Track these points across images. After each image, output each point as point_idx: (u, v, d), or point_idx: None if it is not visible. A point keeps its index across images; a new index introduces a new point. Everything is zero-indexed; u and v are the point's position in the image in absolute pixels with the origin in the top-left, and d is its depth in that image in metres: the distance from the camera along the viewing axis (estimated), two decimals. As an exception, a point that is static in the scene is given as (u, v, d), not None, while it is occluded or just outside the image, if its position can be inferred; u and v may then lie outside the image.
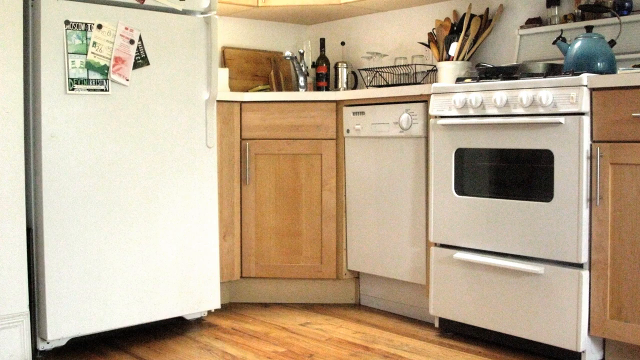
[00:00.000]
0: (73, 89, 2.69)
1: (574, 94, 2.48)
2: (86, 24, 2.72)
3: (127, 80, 2.82)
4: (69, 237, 2.70)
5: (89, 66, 2.73)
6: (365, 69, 3.85)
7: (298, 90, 4.08)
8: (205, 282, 3.12)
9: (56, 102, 2.67)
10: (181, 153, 3.01)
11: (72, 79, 2.69)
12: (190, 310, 3.08)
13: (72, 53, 2.68)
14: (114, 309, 2.82)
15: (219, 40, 4.05)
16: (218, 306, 3.18)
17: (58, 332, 2.68)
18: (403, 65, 3.69)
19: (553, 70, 2.85)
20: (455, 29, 3.54)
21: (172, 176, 2.99)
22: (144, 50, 2.86)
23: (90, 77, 2.73)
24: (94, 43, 2.73)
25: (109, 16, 2.77)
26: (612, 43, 2.82)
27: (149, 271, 2.92)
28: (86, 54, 2.71)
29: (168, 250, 2.98)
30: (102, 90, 2.76)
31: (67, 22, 2.67)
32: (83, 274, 2.73)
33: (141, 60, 2.86)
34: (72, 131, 2.71)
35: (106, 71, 2.76)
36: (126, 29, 2.80)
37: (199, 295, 3.10)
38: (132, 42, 2.82)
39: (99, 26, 2.74)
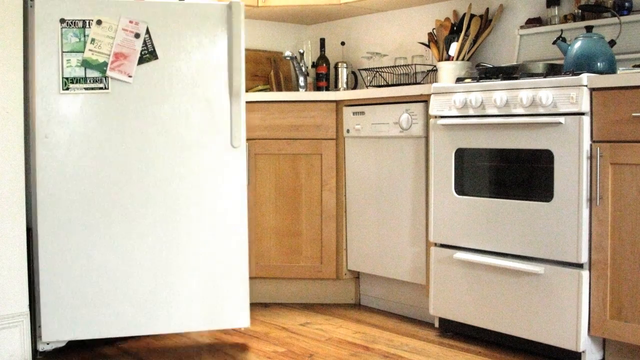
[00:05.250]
0: (68, 89, 2.64)
1: (574, 94, 2.48)
2: (84, 21, 2.66)
3: (130, 76, 2.70)
4: (64, 238, 2.65)
5: (86, 64, 2.66)
6: (365, 69, 3.85)
7: (298, 90, 4.08)
8: (230, 295, 2.82)
9: (50, 102, 2.62)
10: (197, 154, 2.78)
11: (67, 78, 2.64)
12: (212, 326, 2.82)
13: (68, 52, 2.63)
14: (117, 317, 2.71)
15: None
16: (247, 324, 2.87)
17: (56, 336, 2.65)
18: (403, 65, 3.69)
19: (553, 70, 2.85)
20: (455, 29, 3.54)
21: (186, 179, 2.77)
22: (151, 44, 2.72)
23: (87, 76, 2.67)
24: (92, 40, 2.66)
25: (109, 11, 2.66)
26: (612, 43, 2.82)
27: (158, 279, 2.75)
28: (83, 52, 2.66)
29: (181, 257, 2.78)
30: (100, 88, 2.68)
31: (62, 21, 2.63)
32: (81, 278, 2.67)
33: (148, 55, 2.72)
34: (67, 132, 2.64)
35: (105, 68, 2.68)
36: (130, 22, 2.69)
37: (222, 310, 2.83)
38: (137, 35, 2.70)
39: (99, 22, 2.67)
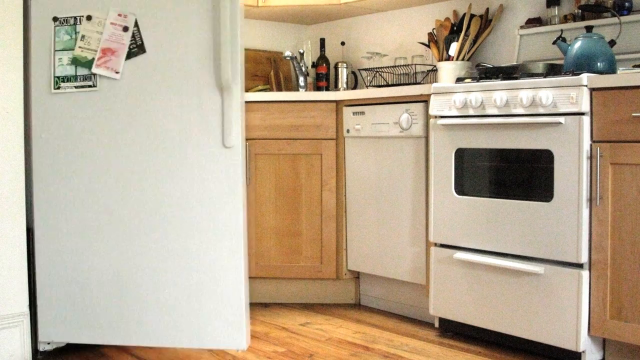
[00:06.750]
0: (59, 88, 2.60)
1: (574, 94, 2.48)
2: (75, 18, 2.59)
3: (117, 72, 2.58)
4: (61, 238, 2.62)
5: (76, 62, 2.59)
6: (365, 69, 3.85)
7: (298, 90, 4.08)
8: (220, 309, 2.56)
9: (43, 101, 2.59)
10: (187, 154, 2.58)
11: (58, 77, 2.60)
12: (203, 344, 2.59)
13: (60, 50, 2.59)
14: (112, 322, 2.62)
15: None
16: (244, 347, 2.55)
17: (49, 337, 2.65)
18: (403, 65, 3.69)
19: (553, 70, 2.85)
20: (455, 29, 3.54)
21: (174, 179, 2.59)
22: (140, 37, 2.57)
23: (78, 74, 2.60)
24: (82, 36, 2.59)
25: (99, 5, 2.58)
26: (612, 43, 2.82)
27: (147, 286, 2.61)
28: (74, 49, 2.60)
29: (169, 265, 2.60)
30: (89, 86, 2.60)
31: (55, 19, 2.59)
32: (77, 279, 2.62)
33: (136, 49, 2.57)
34: (60, 131, 2.60)
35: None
36: (119, 15, 2.59)
37: (217, 327, 2.57)
38: (125, 29, 2.58)
39: (89, 17, 2.58)
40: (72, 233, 2.63)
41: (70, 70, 2.59)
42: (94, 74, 2.59)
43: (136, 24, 2.57)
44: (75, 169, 2.63)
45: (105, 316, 2.64)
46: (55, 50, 2.60)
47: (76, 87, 2.59)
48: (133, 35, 2.58)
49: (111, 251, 2.62)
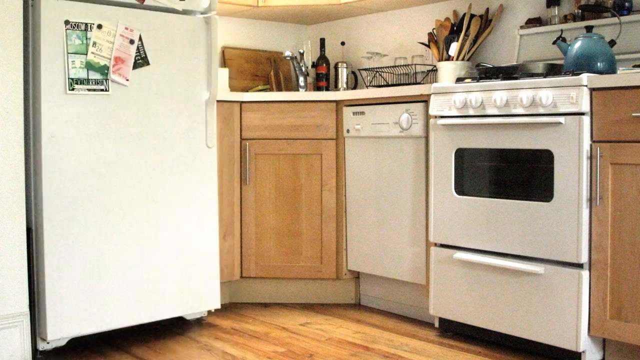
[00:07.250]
0: (73, 89, 2.70)
1: (574, 94, 2.48)
2: (86, 24, 2.72)
3: (127, 80, 2.83)
4: (68, 237, 2.70)
5: (89, 66, 2.73)
6: (365, 69, 3.85)
7: (298, 90, 4.08)
8: (206, 282, 3.12)
9: (56, 102, 2.67)
10: (181, 153, 3.02)
11: (72, 79, 2.69)
12: (190, 310, 3.08)
13: (72, 53, 2.69)
14: (114, 309, 2.82)
15: (219, 40, 4.05)
16: (218, 306, 3.18)
17: (58, 332, 2.68)
18: (403, 65, 3.69)
19: (553, 70, 2.85)
20: (455, 29, 3.54)
21: (172, 176, 3.00)
22: (144, 50, 2.87)
23: (90, 77, 2.73)
24: (94, 43, 2.73)
25: (109, 16, 2.78)
26: (612, 43, 2.82)
27: (149, 271, 2.93)
28: (86, 54, 2.71)
29: (168, 250, 2.99)
30: (102, 90, 2.77)
31: (67, 22, 2.67)
32: (83, 274, 2.74)
33: (141, 60, 2.87)
34: (72, 131, 2.71)
35: (106, 71, 2.77)
36: (126, 29, 2.81)
37: (199, 295, 3.10)
38: (132, 42, 2.83)
39: (99, 26, 2.74)
40: (79, 230, 2.74)
41: (82, 74, 2.72)
42: (106, 79, 2.78)
43: (140, 39, 2.88)
44: (85, 168, 2.75)
45: (113, 301, 2.84)
46: (68, 53, 2.68)
47: (89, 89, 2.75)
48: (138, 49, 2.88)
49: (119, 243, 2.85)
